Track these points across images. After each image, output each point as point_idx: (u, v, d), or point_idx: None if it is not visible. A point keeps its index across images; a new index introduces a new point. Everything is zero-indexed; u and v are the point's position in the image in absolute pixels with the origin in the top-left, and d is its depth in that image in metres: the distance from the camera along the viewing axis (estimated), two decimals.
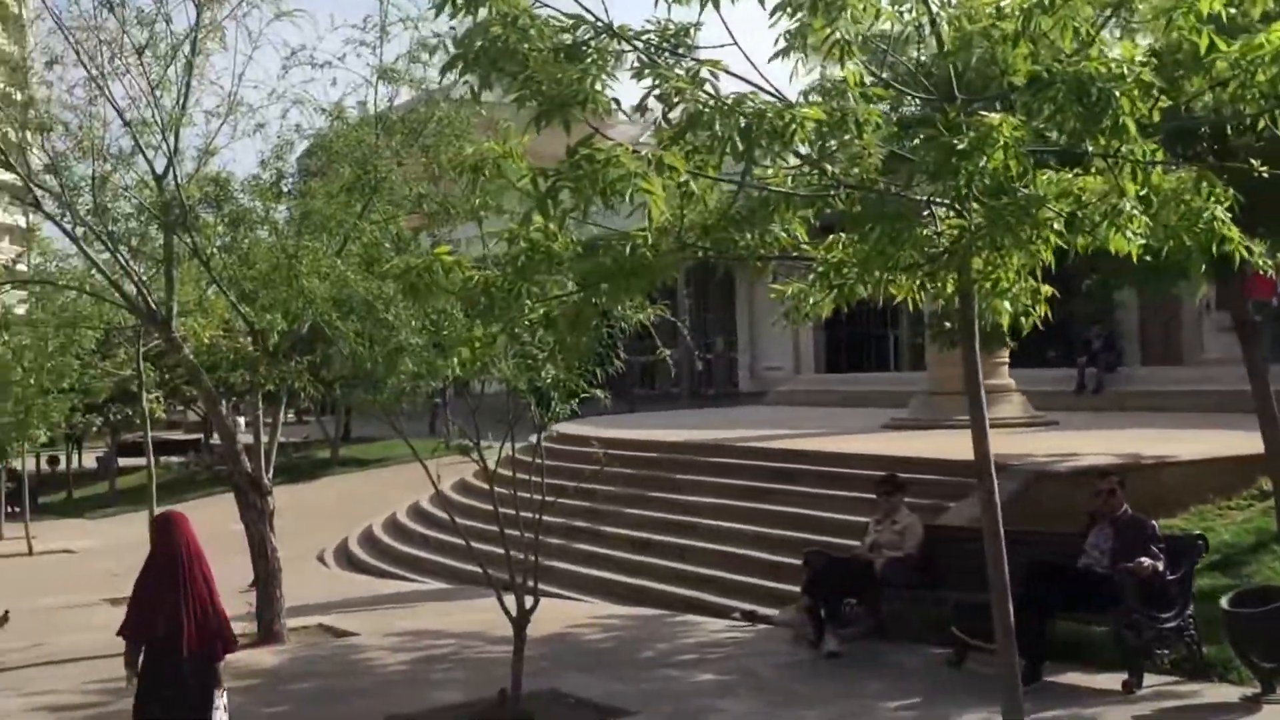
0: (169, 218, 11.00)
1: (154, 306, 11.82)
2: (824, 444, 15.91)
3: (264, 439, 12.52)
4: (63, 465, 37.13)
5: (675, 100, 4.16)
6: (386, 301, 8.03)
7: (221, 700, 6.70)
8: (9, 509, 27.91)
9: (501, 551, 15.90)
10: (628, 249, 4.56)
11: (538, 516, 8.67)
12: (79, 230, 11.54)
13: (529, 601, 8.65)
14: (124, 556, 21.29)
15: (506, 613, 8.64)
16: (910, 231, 4.50)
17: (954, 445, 14.88)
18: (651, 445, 18.18)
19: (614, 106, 4.36)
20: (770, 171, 4.80)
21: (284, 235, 9.68)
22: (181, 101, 10.91)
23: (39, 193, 11.65)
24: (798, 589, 12.21)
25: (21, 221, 17.13)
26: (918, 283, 5.22)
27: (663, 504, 15.51)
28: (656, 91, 4.17)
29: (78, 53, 10.73)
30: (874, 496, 12.80)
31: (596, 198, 4.14)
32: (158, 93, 10.38)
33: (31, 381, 15.29)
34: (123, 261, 11.80)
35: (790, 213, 5.07)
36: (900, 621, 10.16)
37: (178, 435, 43.06)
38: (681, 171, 4.18)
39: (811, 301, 5.77)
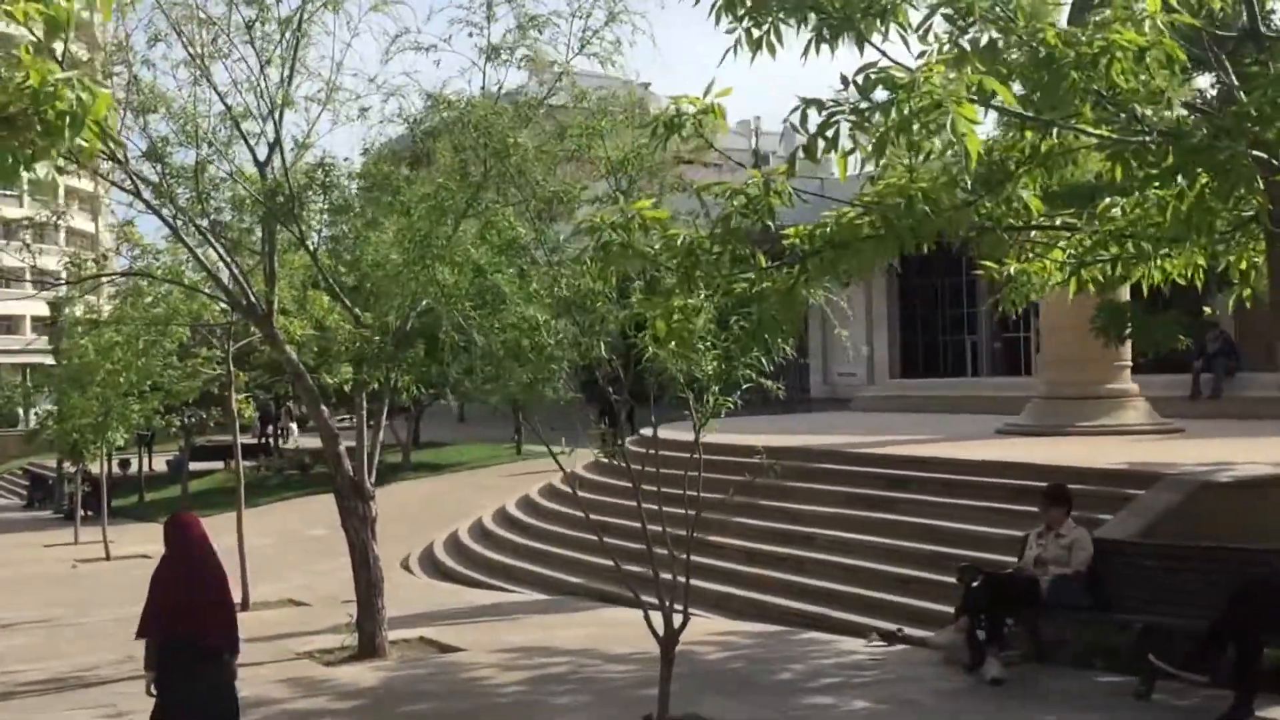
0: (273, 206, 10.40)
1: (254, 299, 11.24)
2: (944, 450, 15.03)
3: (365, 441, 11.87)
4: (133, 468, 36.87)
5: (969, 21, 3.40)
6: (527, 293, 7.32)
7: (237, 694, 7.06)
8: (83, 512, 27.62)
9: (607, 563, 15.48)
10: (908, 202, 3.80)
11: (690, 526, 7.87)
12: (178, 221, 10.96)
13: (677, 619, 7.86)
14: None
15: (654, 632, 7.87)
16: (1248, 184, 3.70)
17: (1086, 453, 14.01)
18: (756, 452, 17.36)
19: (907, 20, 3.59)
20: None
21: (415, 219, 8.98)
22: (286, 83, 10.30)
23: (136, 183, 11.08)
24: (930, 604, 11.41)
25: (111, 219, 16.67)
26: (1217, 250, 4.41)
27: (774, 513, 14.70)
28: (945, 9, 3.43)
29: (179, 32, 10.15)
30: (1012, 507, 12.09)
31: (895, 135, 3.39)
32: (266, 71, 9.78)
33: (120, 380, 14.79)
34: (221, 253, 11.24)
35: (1032, 177, 4.30)
36: (1059, 645, 9.32)
37: (245, 439, 42.78)
38: (1011, 99, 3.42)
39: (1051, 282, 4.97)
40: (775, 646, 10.86)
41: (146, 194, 10.79)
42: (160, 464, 40.06)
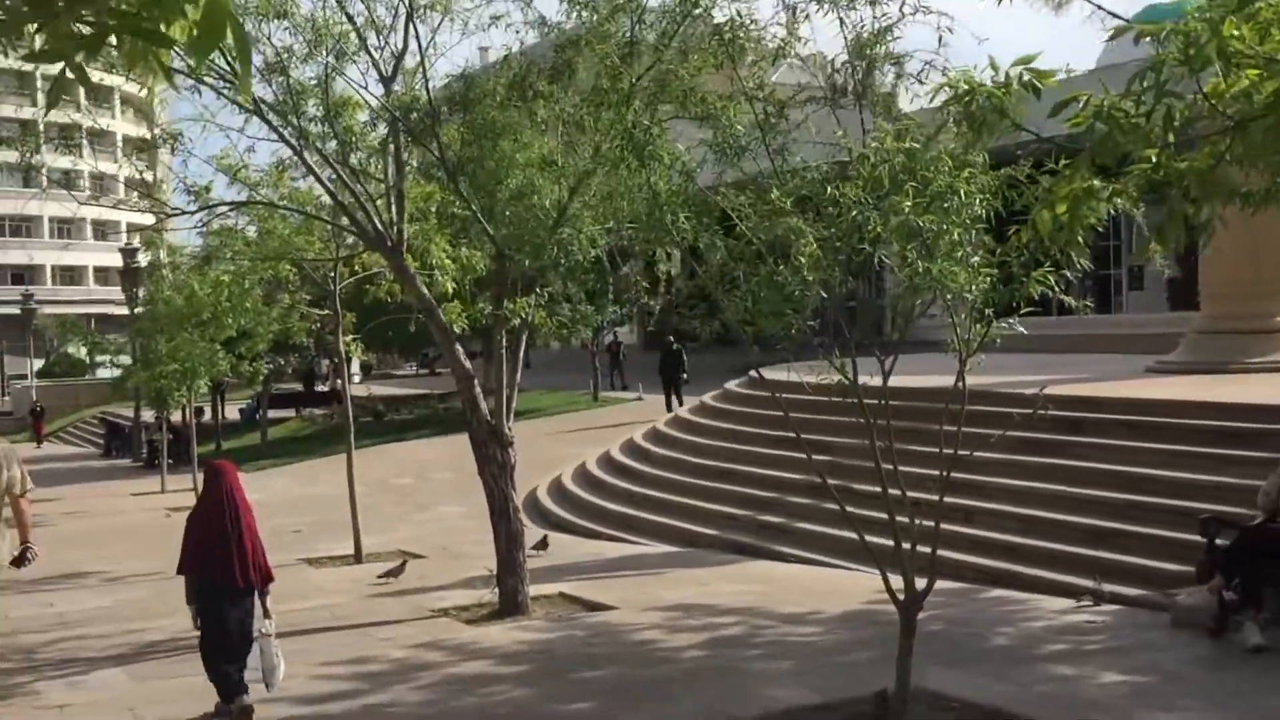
0: (409, 123, 9.37)
1: (382, 229, 10.26)
2: (1113, 390, 13.84)
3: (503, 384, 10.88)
4: (207, 416, 36.38)
5: None
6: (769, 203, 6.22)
7: (271, 627, 7.50)
8: (168, 461, 27.06)
9: (740, 512, 14.50)
10: None
11: (944, 477, 6.81)
12: (301, 143, 9.95)
13: (920, 582, 6.82)
14: (299, 512, 20.20)
15: (893, 596, 6.84)
16: None
17: (1268, 390, 12.80)
18: (889, 392, 16.27)
19: None
20: None
21: (614, 117, 7.87)
22: None
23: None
24: (1126, 557, 10.33)
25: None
26: None
27: (926, 459, 13.60)
28: None
29: None
30: (1212, 450, 10.95)
31: None
32: None
33: (228, 322, 13.86)
34: (346, 178, 10.25)
35: None
36: None
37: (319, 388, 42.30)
38: None
39: None
40: (967, 606, 9.83)
41: (269, 117, 9.79)
42: (233, 412, 39.64)
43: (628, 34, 9.74)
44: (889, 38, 6.49)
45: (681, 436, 18.11)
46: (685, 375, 26.52)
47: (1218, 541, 8.26)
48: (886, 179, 5.66)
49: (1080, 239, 5.07)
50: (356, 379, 43.30)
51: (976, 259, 5.84)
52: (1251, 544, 7.85)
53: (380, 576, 12.53)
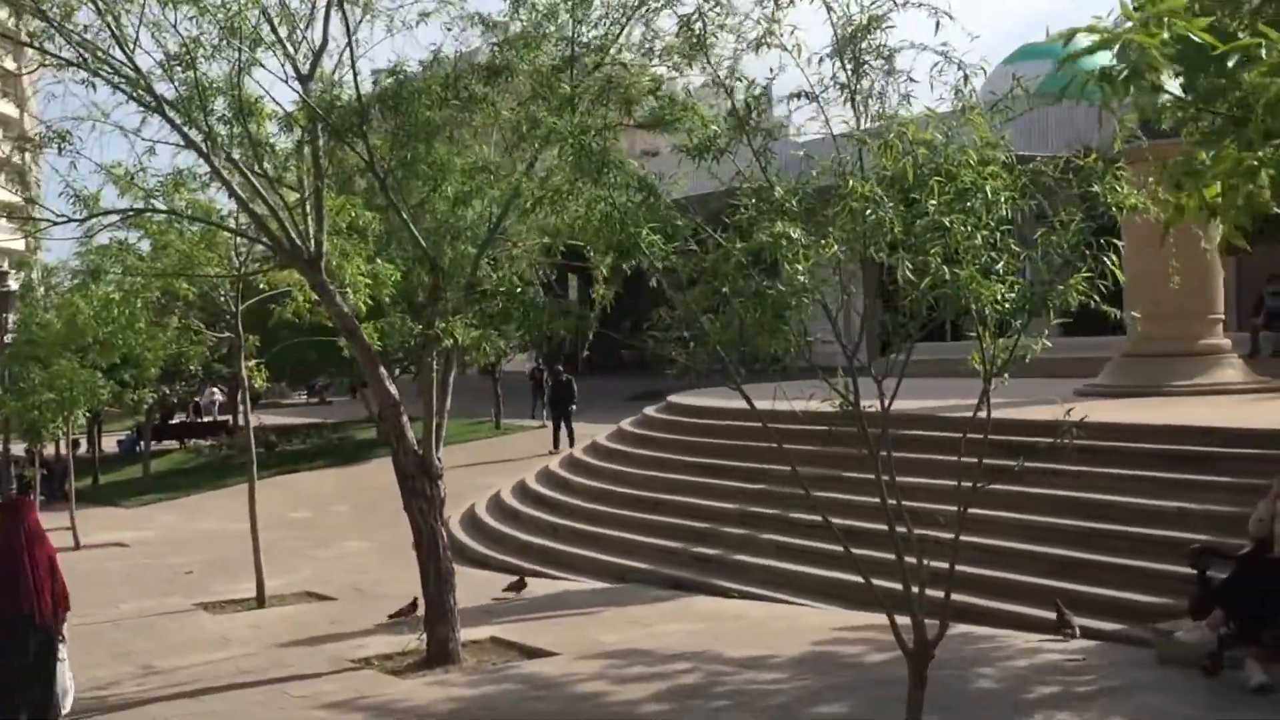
0: (332, 124, 8.50)
1: (299, 241, 9.34)
2: (1056, 413, 13.41)
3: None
4: (83, 449, 34.37)
5: None
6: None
7: (64, 651, 7.85)
8: (40, 498, 25.28)
9: (671, 545, 13.74)
10: None
11: (962, 509, 6.19)
12: (207, 145, 9.00)
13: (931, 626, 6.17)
14: (190, 550, 18.86)
15: (901, 643, 6.17)
16: None
17: (1219, 414, 12.50)
18: (820, 417, 15.71)
19: None
20: None
21: (570, 121, 7.01)
22: None
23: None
24: (1093, 589, 9.89)
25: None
26: None
27: (865, 485, 13.05)
28: None
29: None
30: (1160, 475, 10.60)
31: None
32: None
33: (119, 343, 12.58)
34: (259, 185, 9.33)
35: None
36: None
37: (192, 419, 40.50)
38: None
39: None
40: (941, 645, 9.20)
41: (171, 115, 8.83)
42: (110, 444, 37.61)
43: (569, 33, 9.06)
44: (880, 27, 5.88)
45: (603, 465, 17.33)
46: (574, 407, 24.96)
47: (1209, 574, 7.78)
48: (911, 173, 5.02)
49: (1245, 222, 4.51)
50: (218, 398, 41.50)
51: (1001, 265, 5.23)
52: (1253, 578, 7.37)
53: (391, 617, 11.35)
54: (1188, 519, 10.02)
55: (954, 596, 10.47)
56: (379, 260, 10.66)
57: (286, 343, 16.19)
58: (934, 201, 4.98)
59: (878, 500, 12.62)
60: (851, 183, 5.21)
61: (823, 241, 5.29)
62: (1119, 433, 11.61)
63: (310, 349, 21.96)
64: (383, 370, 9.66)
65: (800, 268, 5.31)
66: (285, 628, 11.60)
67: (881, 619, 10.20)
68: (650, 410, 20.13)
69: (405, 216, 8.78)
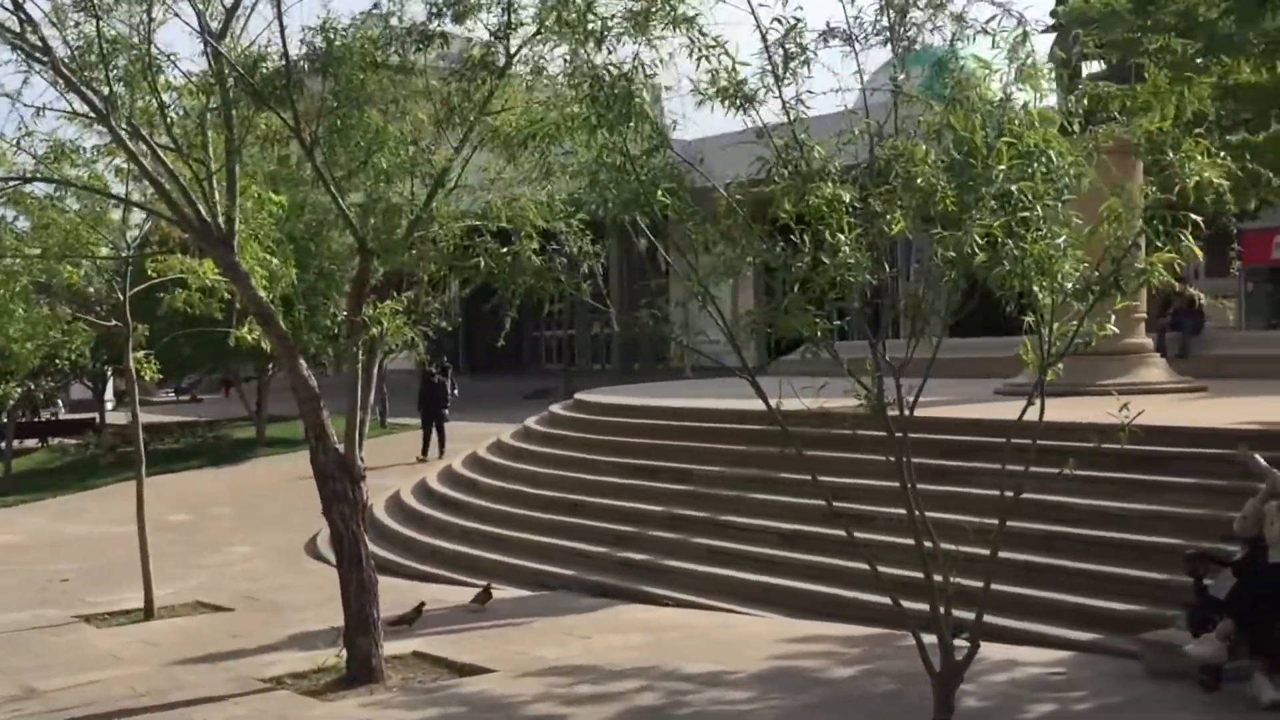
0: (253, 85, 7.58)
1: (208, 218, 8.38)
2: (990, 412, 13.14)
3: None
4: None
5: None
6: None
7: None
8: None
9: (596, 549, 12.98)
10: None
11: (1003, 517, 5.62)
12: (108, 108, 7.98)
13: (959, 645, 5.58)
14: (63, 556, 17.39)
15: (929, 667, 5.56)
16: None
17: (1160, 413, 12.26)
18: (744, 416, 15.14)
19: None
20: None
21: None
22: None
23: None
24: (1051, 594, 9.49)
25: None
26: None
27: (799, 487, 12.51)
28: None
29: None
30: (1113, 475, 10.28)
31: None
32: None
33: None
34: (162, 153, 8.34)
35: None
36: None
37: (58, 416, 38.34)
38: None
39: None
40: (907, 657, 8.67)
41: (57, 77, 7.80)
42: None
43: None
44: None
45: (512, 465, 16.50)
46: (448, 411, 23.48)
47: (1206, 581, 7.37)
48: (980, 135, 4.41)
49: None
50: (110, 405, 39.49)
51: (1063, 239, 4.66)
52: (1263, 587, 6.96)
53: (470, 606, 10.84)
54: (1154, 522, 9.71)
55: (912, 605, 10.11)
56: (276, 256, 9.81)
57: (176, 334, 14.96)
58: (1002, 166, 4.38)
59: (816, 502, 12.07)
60: (912, 143, 4.58)
61: (891, 214, 4.64)
62: (1072, 433, 11.25)
63: (185, 343, 20.58)
64: (302, 360, 8.74)
65: (845, 238, 4.64)
66: (180, 642, 10.55)
67: (835, 629, 9.74)
68: (557, 408, 19.40)
69: (334, 191, 7.89)
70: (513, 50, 8.27)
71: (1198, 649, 6.97)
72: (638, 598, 11.59)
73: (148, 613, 11.85)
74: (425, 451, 22.87)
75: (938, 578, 5.79)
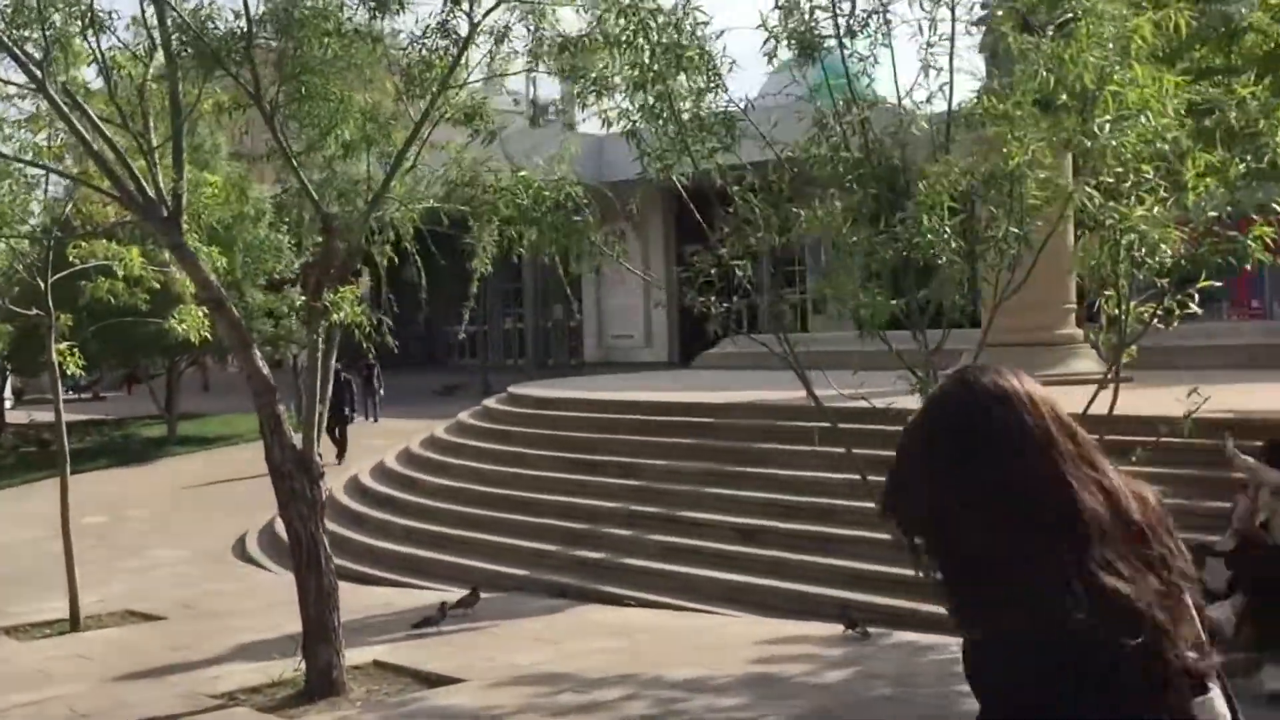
0: (209, 46, 6.98)
1: (154, 195, 7.74)
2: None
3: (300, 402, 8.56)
4: None
5: None
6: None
7: None
8: None
9: (550, 548, 12.47)
10: None
11: None
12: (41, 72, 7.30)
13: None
14: None
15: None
16: None
17: (1122, 401, 12.15)
18: (690, 408, 14.79)
19: None
20: None
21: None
22: None
23: None
24: None
25: None
26: None
27: (755, 481, 12.20)
28: None
29: None
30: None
31: None
32: None
33: None
34: (96, 120, 7.69)
35: None
36: None
37: None
38: None
39: None
40: (888, 657, 8.37)
41: None
42: None
43: None
44: None
45: (452, 462, 15.93)
46: (349, 411, 22.32)
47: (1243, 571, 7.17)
48: (1091, 80, 4.00)
49: None
50: (10, 404, 37.78)
51: (1158, 209, 4.32)
52: (1257, 576, 6.78)
53: (453, 609, 9.85)
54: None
55: (889, 601, 9.82)
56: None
57: (104, 323, 14.11)
58: (1108, 117, 4.01)
59: (775, 496, 11.70)
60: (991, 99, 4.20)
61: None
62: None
63: (93, 337, 19.54)
64: (256, 351, 8.14)
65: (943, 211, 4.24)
66: (116, 656, 9.85)
67: (812, 628, 9.40)
68: (491, 402, 18.90)
69: (295, 164, 7.31)
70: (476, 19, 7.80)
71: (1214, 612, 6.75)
72: (597, 597, 11.17)
73: (74, 623, 11.08)
74: (340, 456, 21.69)
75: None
